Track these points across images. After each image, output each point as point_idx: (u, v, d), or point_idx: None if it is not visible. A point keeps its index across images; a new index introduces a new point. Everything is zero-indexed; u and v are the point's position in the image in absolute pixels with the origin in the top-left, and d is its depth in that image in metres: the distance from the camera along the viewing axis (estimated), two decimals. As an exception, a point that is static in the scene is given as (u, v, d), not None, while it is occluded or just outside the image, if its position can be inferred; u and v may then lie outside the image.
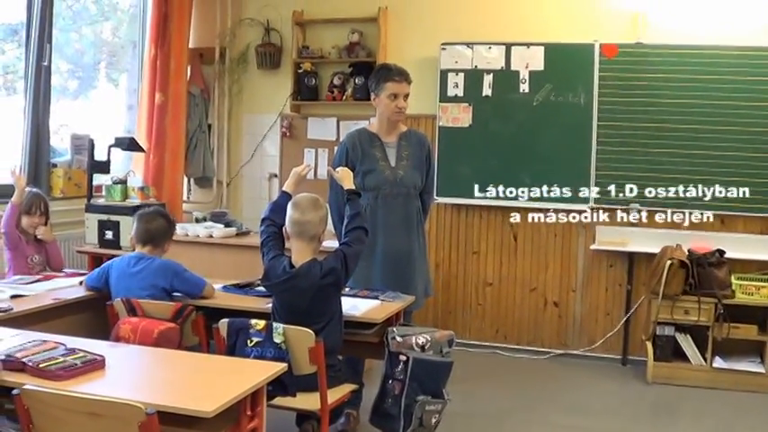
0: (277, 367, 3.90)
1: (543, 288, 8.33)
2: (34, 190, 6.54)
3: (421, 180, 6.08)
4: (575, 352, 8.19)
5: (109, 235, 7.41)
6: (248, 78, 9.29)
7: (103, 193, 7.84)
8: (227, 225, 7.79)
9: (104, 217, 7.44)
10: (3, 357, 3.75)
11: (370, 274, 5.96)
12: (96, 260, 7.33)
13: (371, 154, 6.07)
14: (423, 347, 5.04)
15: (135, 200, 7.60)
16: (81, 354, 3.82)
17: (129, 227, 7.04)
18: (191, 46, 8.92)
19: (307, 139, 9.05)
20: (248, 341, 4.66)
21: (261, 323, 4.67)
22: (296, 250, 5.06)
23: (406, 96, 6.00)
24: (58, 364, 3.68)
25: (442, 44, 8.24)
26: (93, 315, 5.59)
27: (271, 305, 5.12)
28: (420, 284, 6.03)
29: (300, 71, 8.83)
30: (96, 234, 7.48)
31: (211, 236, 7.61)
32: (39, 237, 6.41)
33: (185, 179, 9.13)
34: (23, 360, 3.71)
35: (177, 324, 5.06)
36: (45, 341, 4.02)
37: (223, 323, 4.77)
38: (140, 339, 4.83)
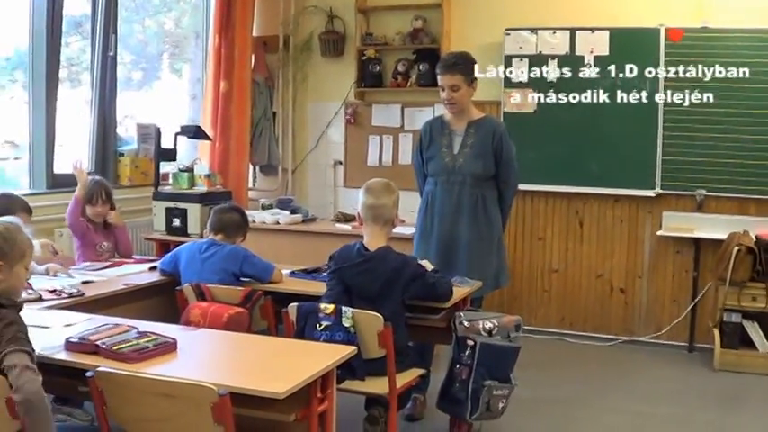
0: (346, 350, 3.91)
1: (609, 274, 8.26)
2: (96, 178, 6.55)
3: (484, 168, 6.01)
4: (641, 339, 8.12)
5: (176, 222, 7.45)
6: (312, 66, 9.31)
7: (170, 180, 7.90)
8: (294, 212, 7.81)
9: (171, 204, 7.49)
10: (76, 340, 3.80)
11: (428, 255, 5.94)
12: (164, 247, 7.41)
13: (438, 141, 6.11)
14: (490, 332, 5.03)
15: (201, 187, 7.64)
16: (153, 337, 3.85)
17: (196, 214, 7.28)
18: (254, 35, 8.93)
19: (371, 126, 9.04)
20: (317, 325, 4.69)
21: (330, 307, 4.69)
22: (369, 235, 5.08)
23: (454, 87, 5.95)
24: (131, 347, 3.72)
25: (506, 29, 8.19)
26: (162, 300, 5.65)
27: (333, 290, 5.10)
28: (477, 272, 5.96)
29: (364, 58, 8.83)
30: (164, 221, 7.53)
31: (278, 222, 7.63)
32: (109, 221, 6.45)
33: (251, 167, 9.16)
34: (97, 342, 3.75)
35: (246, 309, 5.12)
36: (117, 324, 4.07)
37: (292, 307, 4.80)
38: (210, 324, 4.88)
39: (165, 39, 9.32)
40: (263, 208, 8.03)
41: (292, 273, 5.79)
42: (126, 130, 8.30)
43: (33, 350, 3.46)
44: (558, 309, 8.44)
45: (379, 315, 4.63)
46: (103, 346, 3.71)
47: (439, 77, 6.03)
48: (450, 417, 5.41)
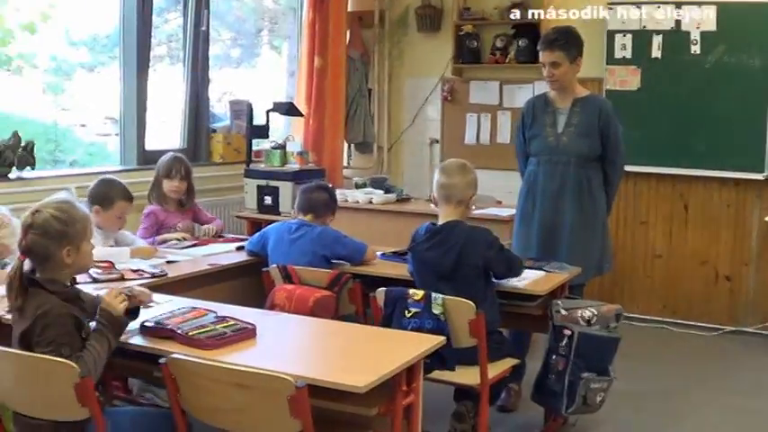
0: (435, 340, 3.71)
1: (715, 261, 7.93)
2: (176, 154, 6.41)
3: (590, 148, 5.79)
4: (747, 329, 7.77)
5: (268, 200, 7.34)
6: (408, 42, 9.12)
7: (263, 158, 7.76)
8: (387, 191, 7.60)
9: (263, 182, 7.38)
10: (152, 324, 3.67)
11: (529, 240, 5.83)
12: (255, 225, 7.32)
13: (541, 120, 5.92)
14: (589, 321, 4.82)
15: (294, 165, 7.51)
16: (231, 322, 3.70)
17: (288, 192, 7.17)
18: (349, 9, 8.80)
19: (468, 103, 8.82)
20: (406, 311, 4.53)
21: (419, 293, 4.52)
22: (443, 215, 4.93)
23: (554, 64, 5.74)
24: (208, 332, 3.57)
25: (609, 3, 7.89)
26: (249, 281, 5.51)
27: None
28: (580, 258, 5.74)
29: (461, 33, 8.60)
30: (255, 199, 7.43)
31: (371, 202, 7.45)
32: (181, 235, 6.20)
33: (345, 144, 9.03)
34: (172, 327, 3.61)
35: (333, 292, 4.95)
36: (195, 308, 3.93)
37: (380, 292, 4.65)
38: (296, 307, 4.74)
39: (264, 15, 9.24)
40: (357, 187, 7.85)
41: (382, 255, 5.59)
42: (224, 107, 8.23)
43: (72, 351, 3.37)
44: (660, 296, 8.13)
45: (470, 302, 4.43)
46: (179, 332, 3.57)
47: (540, 53, 5.84)
48: (545, 409, 5.23)
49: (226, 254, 5.72)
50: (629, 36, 7.86)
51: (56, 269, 3.51)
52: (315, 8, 8.34)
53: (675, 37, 7.71)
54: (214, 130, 7.97)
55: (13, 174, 6.14)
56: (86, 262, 3.67)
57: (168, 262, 5.30)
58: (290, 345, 3.86)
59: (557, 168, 5.81)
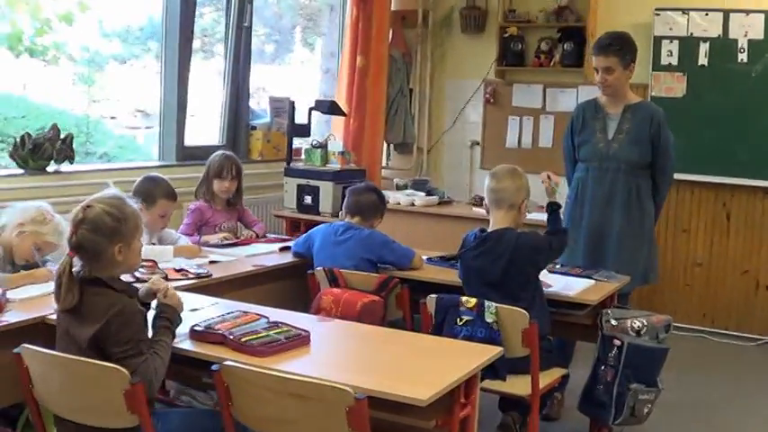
0: (493, 351, 3.64)
1: (756, 271, 7.84)
2: (227, 153, 6.33)
3: (640, 156, 5.74)
4: (788, 341, 7.71)
5: (308, 200, 7.28)
6: (452, 42, 9.04)
7: (303, 156, 7.70)
8: (429, 193, 7.56)
9: (303, 181, 7.32)
10: (201, 329, 3.60)
11: (576, 247, 5.75)
12: (294, 225, 7.33)
13: (591, 125, 5.87)
14: (638, 332, 4.78)
15: (335, 164, 7.43)
16: (285, 328, 3.63)
17: (328, 192, 7.13)
18: (393, 8, 8.68)
19: (511, 106, 8.74)
20: (457, 319, 4.46)
21: (472, 301, 4.45)
22: (493, 220, 4.86)
23: (607, 70, 5.68)
24: (261, 339, 3.50)
25: (656, 9, 7.83)
26: (292, 283, 5.48)
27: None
28: (626, 267, 5.67)
29: (506, 36, 8.51)
30: (295, 198, 7.37)
31: (413, 204, 7.40)
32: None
33: (384, 145, 8.94)
34: (224, 333, 3.54)
35: (381, 297, 4.87)
36: (246, 312, 3.86)
37: (431, 299, 4.57)
38: (342, 311, 4.68)
39: (300, 11, 9.20)
40: (398, 188, 7.81)
41: (429, 259, 5.52)
42: (258, 103, 8.25)
43: (147, 349, 3.35)
44: (700, 305, 8.06)
45: (523, 311, 4.37)
46: (231, 337, 3.50)
47: (593, 58, 5.78)
48: (591, 419, 5.15)
49: (269, 254, 5.67)
50: (676, 42, 7.78)
51: (107, 267, 3.43)
52: (358, 6, 8.25)
53: (722, 44, 7.63)
54: (254, 127, 7.92)
55: (51, 167, 6.09)
56: (136, 261, 3.60)
57: (211, 262, 5.26)
58: (344, 353, 3.80)
59: (606, 175, 5.76)
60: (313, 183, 7.27)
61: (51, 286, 3.56)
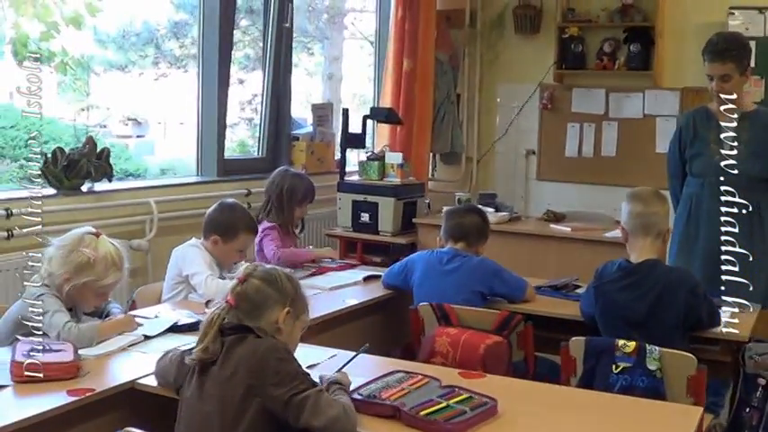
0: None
1: None
2: (305, 176, 5.95)
3: (762, 169, 5.20)
4: None
5: (365, 218, 6.78)
6: (504, 44, 8.51)
7: (356, 169, 7.18)
8: (497, 209, 6.94)
9: (360, 197, 6.83)
10: (361, 398, 2.93)
11: (691, 269, 5.09)
12: (349, 245, 6.85)
13: (704, 136, 5.32)
14: (785, 368, 4.24)
15: (393, 178, 6.88)
16: (465, 395, 2.96)
17: (389, 209, 6.70)
18: (437, 8, 8.18)
19: (571, 112, 8.21)
20: (613, 366, 3.88)
21: (630, 345, 3.87)
22: (637, 249, 4.30)
23: (725, 78, 5.10)
24: (444, 412, 2.84)
25: (730, 8, 7.30)
26: (381, 319, 4.94)
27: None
28: (745, 290, 5.11)
29: (565, 36, 8.00)
30: (350, 216, 6.85)
31: (483, 221, 6.83)
32: None
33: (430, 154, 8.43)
34: (397, 405, 2.87)
35: (503, 336, 4.27)
36: (410, 374, 3.18)
37: (577, 342, 4.00)
38: (462, 356, 4.11)
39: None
40: (460, 203, 7.21)
41: (538, 288, 4.91)
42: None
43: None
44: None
45: (691, 356, 3.82)
46: (406, 410, 2.83)
47: (707, 65, 5.18)
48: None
49: (353, 286, 5.07)
50: (753, 43, 7.21)
51: (265, 328, 2.96)
52: (404, 6, 7.77)
53: (802, 44, 7.15)
54: (296, 138, 7.38)
55: (85, 186, 5.58)
56: (296, 339, 3.14)
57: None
58: (539, 425, 3.03)
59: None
60: (371, 198, 6.78)
61: (137, 335, 3.64)
